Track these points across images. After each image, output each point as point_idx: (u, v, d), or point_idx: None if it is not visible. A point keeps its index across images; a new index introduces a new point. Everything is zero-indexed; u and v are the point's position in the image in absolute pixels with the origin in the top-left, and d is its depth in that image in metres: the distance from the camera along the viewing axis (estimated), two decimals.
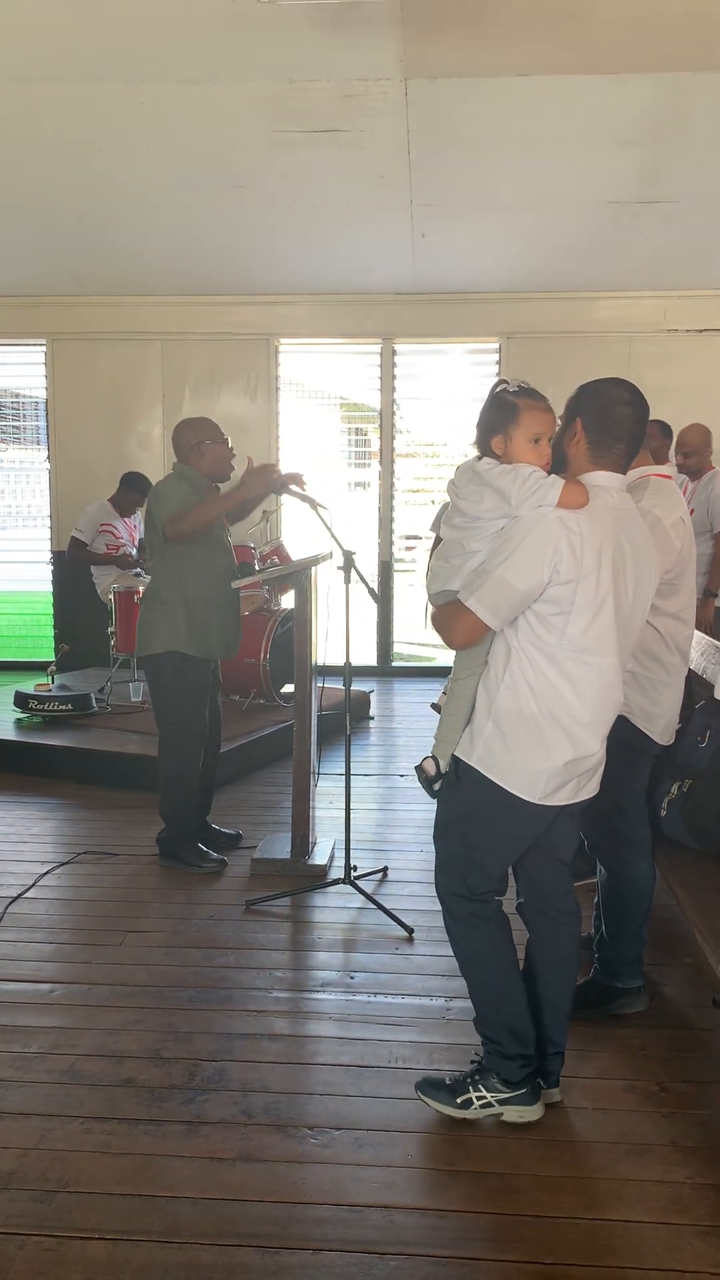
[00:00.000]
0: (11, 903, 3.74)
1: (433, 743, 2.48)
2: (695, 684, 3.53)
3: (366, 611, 7.20)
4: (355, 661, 3.86)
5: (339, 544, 3.72)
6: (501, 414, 2.31)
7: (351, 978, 3.20)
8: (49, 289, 7.65)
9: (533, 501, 2.21)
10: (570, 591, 2.19)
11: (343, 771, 3.87)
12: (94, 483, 7.66)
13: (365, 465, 8.59)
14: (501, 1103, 2.43)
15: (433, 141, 5.43)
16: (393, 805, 4.92)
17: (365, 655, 8.00)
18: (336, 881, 3.80)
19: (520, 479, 2.23)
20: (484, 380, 7.61)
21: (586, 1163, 2.33)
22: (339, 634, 3.83)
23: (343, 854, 3.87)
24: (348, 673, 3.80)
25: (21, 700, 5.88)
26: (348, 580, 3.70)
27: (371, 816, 4.73)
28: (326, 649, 4.12)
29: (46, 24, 4.48)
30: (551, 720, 2.26)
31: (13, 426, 8.72)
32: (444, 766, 2.44)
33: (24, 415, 8.65)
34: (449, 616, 2.34)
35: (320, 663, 4.15)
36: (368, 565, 7.41)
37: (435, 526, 2.47)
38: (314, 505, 3.86)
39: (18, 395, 8.59)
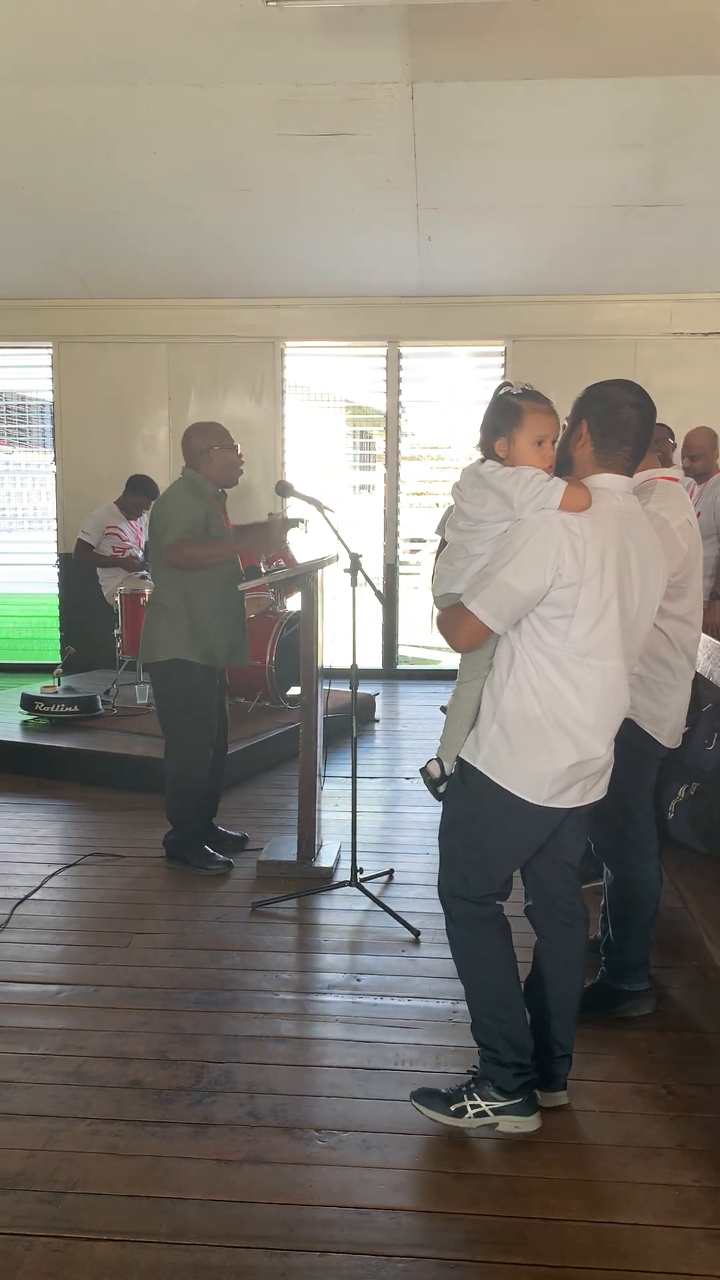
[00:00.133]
0: (19, 904, 3.74)
1: (438, 745, 2.48)
2: (702, 687, 3.53)
3: (372, 614, 7.21)
4: (360, 664, 3.87)
5: (346, 546, 3.72)
6: (505, 416, 2.31)
7: (358, 980, 3.21)
8: (55, 292, 7.67)
9: (535, 504, 2.21)
10: (573, 595, 2.19)
11: (348, 774, 3.88)
12: (100, 485, 7.67)
13: (370, 468, 8.60)
14: (496, 1112, 2.40)
15: (438, 145, 5.44)
16: (398, 808, 4.92)
17: (370, 658, 8.01)
18: (343, 884, 3.80)
19: (523, 482, 2.22)
20: (489, 383, 7.62)
21: (594, 1166, 2.33)
22: (345, 637, 3.84)
23: (348, 856, 3.87)
24: (354, 675, 3.80)
25: (28, 702, 5.89)
26: (354, 583, 3.70)
27: (377, 819, 4.73)
28: (333, 652, 4.12)
29: (53, 26, 4.50)
30: (556, 723, 2.26)
31: (18, 429, 8.74)
32: (449, 769, 2.43)
33: (29, 418, 8.67)
34: (452, 620, 2.34)
35: (326, 665, 4.15)
36: (373, 568, 7.40)
37: (440, 529, 2.48)
38: (320, 508, 3.86)
39: (23, 398, 8.62)
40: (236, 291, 7.59)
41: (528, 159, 5.55)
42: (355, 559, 3.69)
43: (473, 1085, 2.44)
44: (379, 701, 6.96)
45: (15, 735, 5.69)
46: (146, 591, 6.00)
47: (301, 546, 6.79)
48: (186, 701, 4.01)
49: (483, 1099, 2.41)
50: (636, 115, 5.10)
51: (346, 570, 3.71)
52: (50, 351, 8.04)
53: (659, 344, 7.54)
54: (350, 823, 3.85)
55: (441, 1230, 2.12)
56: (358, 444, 8.68)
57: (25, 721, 5.88)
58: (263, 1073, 2.69)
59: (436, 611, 2.48)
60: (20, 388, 8.54)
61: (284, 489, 3.94)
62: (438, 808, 2.53)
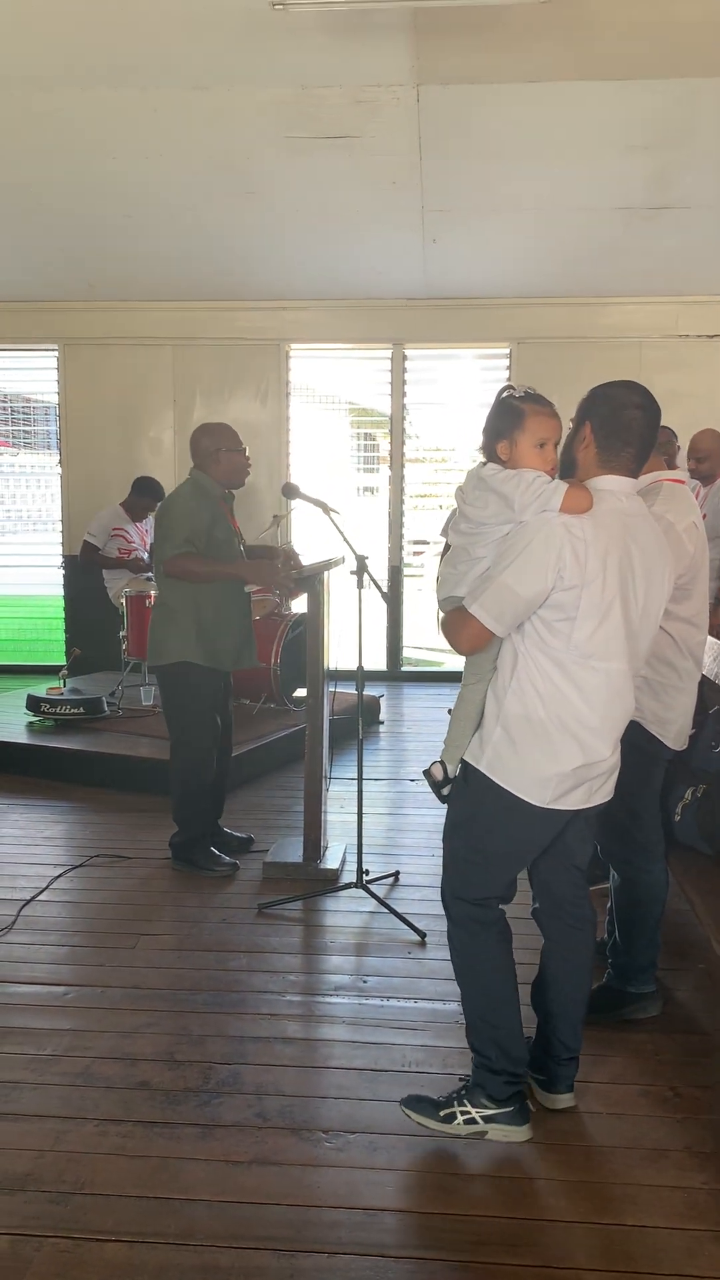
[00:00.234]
0: (25, 905, 3.75)
1: (441, 747, 2.48)
2: (708, 689, 3.53)
3: (377, 616, 7.21)
4: (365, 666, 3.87)
5: (352, 549, 3.73)
6: (507, 419, 2.31)
7: (364, 982, 3.21)
8: (61, 294, 7.68)
9: (536, 506, 2.20)
10: (575, 597, 2.18)
11: (353, 776, 3.88)
12: (105, 487, 7.69)
13: (373, 470, 8.61)
14: (486, 1120, 2.38)
15: (444, 147, 5.44)
16: (403, 810, 4.92)
17: (375, 660, 8.01)
18: (349, 886, 3.80)
19: (524, 484, 2.22)
20: (494, 385, 7.60)
21: (601, 1167, 2.33)
22: (351, 638, 3.84)
23: (354, 858, 3.88)
24: (360, 677, 3.81)
25: (34, 704, 5.90)
26: (361, 585, 3.70)
27: (382, 821, 4.73)
28: (338, 653, 4.12)
29: (58, 30, 4.50)
30: (560, 726, 2.25)
31: (23, 431, 8.76)
32: (452, 771, 2.43)
33: (34, 419, 8.69)
34: (454, 623, 2.34)
35: (331, 667, 4.16)
36: (377, 570, 7.42)
37: (445, 532, 2.47)
38: (327, 510, 3.87)
39: (28, 399, 8.64)
40: (242, 294, 7.60)
41: (533, 161, 5.56)
42: (362, 561, 3.69)
43: (464, 1092, 2.42)
44: (383, 703, 6.96)
45: (21, 737, 5.70)
46: (152, 593, 6.01)
47: (306, 549, 6.80)
48: (193, 704, 4.02)
49: (473, 1106, 2.39)
50: (642, 118, 5.11)
51: (353, 572, 3.71)
52: (56, 353, 8.05)
53: (664, 346, 7.54)
54: (356, 824, 3.85)
55: (449, 1232, 2.12)
56: (361, 446, 8.69)
57: (31, 723, 5.89)
58: (270, 1074, 2.69)
59: (441, 614, 2.49)
60: (26, 390, 8.56)
61: (290, 491, 3.95)
62: (442, 809, 2.53)
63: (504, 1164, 2.34)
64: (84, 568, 7.21)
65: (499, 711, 2.30)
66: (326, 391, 8.43)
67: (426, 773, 2.52)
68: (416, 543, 8.41)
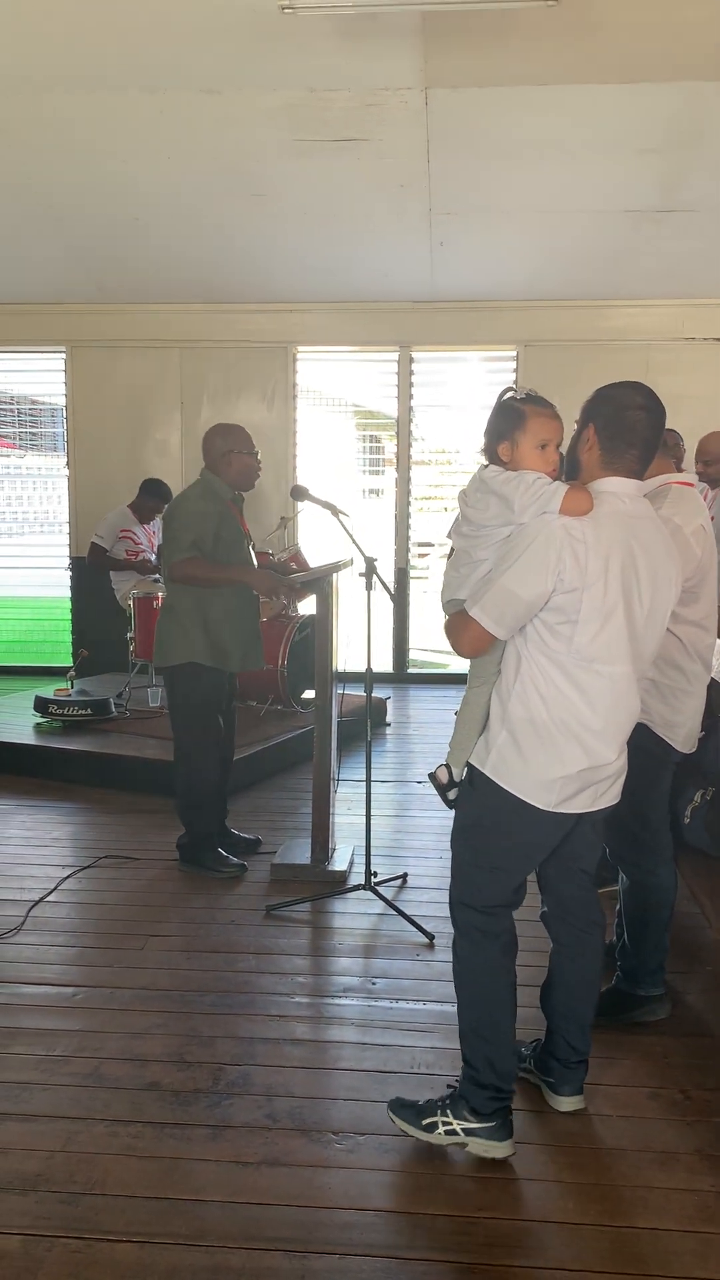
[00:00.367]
0: (33, 906, 3.76)
1: (447, 750, 2.48)
2: (717, 693, 3.53)
3: (383, 618, 7.22)
4: (372, 668, 3.87)
5: (361, 551, 3.73)
6: (509, 420, 2.31)
7: (373, 983, 3.21)
8: (69, 296, 7.70)
9: (535, 508, 2.19)
10: (575, 600, 2.16)
11: (359, 778, 3.89)
12: (112, 489, 7.69)
13: (379, 472, 8.61)
14: (468, 1133, 2.35)
15: (452, 150, 5.45)
16: (410, 812, 4.93)
17: (381, 662, 8.01)
18: (357, 887, 3.80)
19: (524, 486, 2.21)
20: (500, 388, 7.61)
21: (611, 1170, 2.33)
22: (359, 640, 3.85)
23: (362, 860, 3.88)
24: (369, 679, 3.81)
25: (41, 705, 5.91)
26: (369, 587, 3.71)
27: (389, 823, 4.74)
28: (346, 655, 4.13)
29: (68, 33, 4.52)
30: (564, 729, 2.24)
31: (30, 433, 8.78)
32: (457, 774, 2.43)
33: (41, 421, 8.70)
34: (456, 626, 2.34)
35: (339, 669, 4.16)
36: (384, 572, 7.44)
37: (451, 534, 2.49)
38: (335, 512, 3.88)
39: (35, 401, 8.65)
40: (249, 296, 7.62)
41: (541, 164, 5.57)
42: (370, 563, 3.70)
43: (448, 1102, 2.40)
44: (390, 705, 6.97)
45: (29, 738, 5.71)
46: (160, 595, 6.02)
47: (312, 551, 6.81)
48: (198, 704, 4.02)
49: (455, 1117, 2.37)
50: (650, 121, 5.12)
51: (361, 574, 3.72)
52: (64, 356, 8.06)
53: (670, 349, 7.54)
54: (364, 826, 3.85)
55: (460, 1234, 2.12)
56: (367, 448, 8.70)
57: (39, 724, 5.90)
58: (280, 1075, 2.69)
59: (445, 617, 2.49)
60: (33, 391, 8.58)
61: (299, 493, 3.96)
62: (450, 811, 2.52)
63: (515, 1166, 2.33)
64: (91, 569, 7.22)
65: (503, 714, 2.30)
66: (333, 394, 8.43)
67: (432, 776, 2.51)
68: (422, 545, 8.42)
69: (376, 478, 8.67)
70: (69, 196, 6.15)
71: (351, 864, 4.10)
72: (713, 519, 3.85)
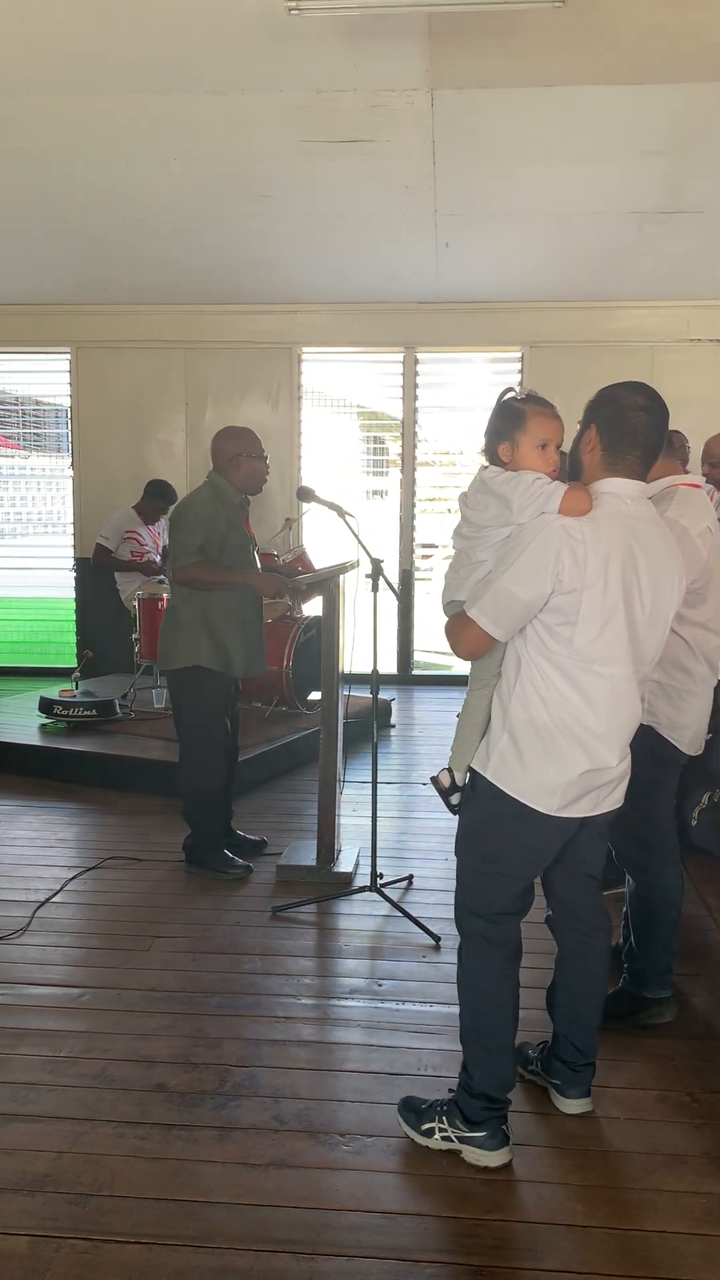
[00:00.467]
0: (39, 907, 3.76)
1: (449, 753, 2.47)
2: None
3: (387, 619, 7.22)
4: (378, 669, 3.87)
5: (367, 552, 3.73)
6: (509, 421, 2.30)
7: (379, 985, 3.21)
8: (74, 297, 7.70)
9: (534, 508, 2.18)
10: (575, 601, 2.15)
11: (364, 779, 3.89)
12: (117, 490, 7.70)
13: (383, 473, 8.61)
14: (461, 1140, 2.34)
15: (458, 152, 5.45)
16: (416, 813, 4.92)
17: (385, 663, 8.00)
18: (363, 889, 3.80)
19: (523, 486, 2.20)
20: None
21: (620, 1173, 2.32)
22: (364, 642, 3.85)
23: (367, 861, 3.88)
24: (375, 680, 3.81)
25: (46, 706, 5.92)
26: (376, 588, 3.71)
27: (394, 824, 4.73)
28: (351, 657, 4.13)
29: (73, 35, 4.52)
30: (565, 731, 2.22)
31: (34, 433, 8.78)
32: (459, 778, 2.41)
33: (45, 422, 8.71)
34: (455, 628, 2.33)
35: (345, 670, 4.16)
36: (389, 574, 7.44)
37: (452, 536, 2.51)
38: (342, 514, 3.87)
39: (39, 402, 8.66)
40: (254, 297, 7.61)
41: (547, 165, 5.56)
42: (377, 565, 3.70)
43: (443, 1109, 2.40)
44: (394, 707, 6.96)
45: (34, 739, 5.71)
46: (165, 596, 6.03)
47: (317, 552, 6.81)
48: (203, 708, 4.02)
49: (449, 1125, 2.37)
50: (656, 122, 5.11)
51: (368, 576, 3.72)
52: (68, 356, 8.07)
53: (676, 350, 7.53)
54: (369, 827, 3.85)
55: (468, 1235, 2.12)
56: (371, 449, 8.70)
57: (44, 725, 5.90)
58: (286, 1077, 2.69)
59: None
60: (37, 392, 8.59)
61: (305, 495, 3.96)
62: (454, 815, 2.52)
63: (523, 1168, 2.33)
64: (96, 570, 7.23)
65: (504, 717, 2.28)
66: (337, 395, 8.44)
67: (434, 780, 2.50)
68: (425, 546, 8.42)
69: (380, 479, 8.67)
70: (74, 197, 6.16)
71: (357, 865, 4.10)
72: None
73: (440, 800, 2.49)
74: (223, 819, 4.26)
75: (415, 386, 7.94)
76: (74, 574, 8.23)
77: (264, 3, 4.19)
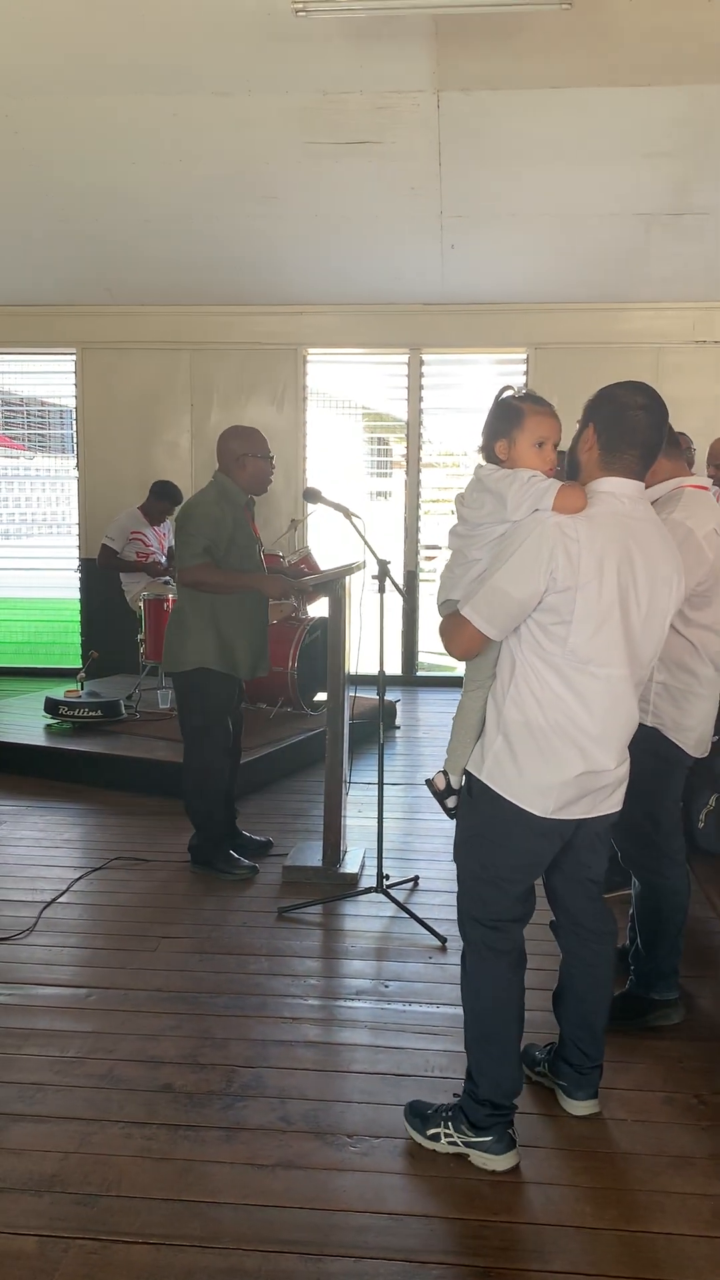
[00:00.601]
0: (46, 908, 3.76)
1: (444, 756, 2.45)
2: None
3: (392, 620, 7.22)
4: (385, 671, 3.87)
5: (374, 554, 3.73)
6: (506, 418, 2.29)
7: (385, 986, 3.21)
8: (80, 298, 7.72)
9: (528, 505, 2.17)
10: (569, 600, 2.13)
11: (369, 780, 3.88)
12: (122, 491, 7.71)
13: (386, 475, 8.61)
14: (468, 1145, 2.34)
15: (464, 153, 5.46)
16: (421, 815, 4.92)
17: (390, 664, 7.99)
18: (369, 890, 3.80)
19: (519, 483, 2.19)
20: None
21: (627, 1175, 2.32)
22: (371, 643, 3.85)
23: (373, 862, 3.88)
24: (382, 682, 3.81)
25: (52, 706, 5.92)
26: (382, 589, 3.71)
27: (400, 825, 4.73)
28: (357, 658, 4.13)
29: (80, 37, 4.54)
30: (560, 733, 2.20)
31: (38, 434, 8.80)
32: (454, 782, 2.40)
33: (49, 423, 8.72)
34: (449, 627, 2.31)
35: (351, 671, 4.16)
36: (394, 575, 7.43)
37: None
38: (348, 515, 3.88)
39: (43, 403, 8.67)
40: (260, 298, 7.62)
41: (553, 167, 5.57)
42: (383, 566, 3.70)
43: (449, 1114, 2.39)
44: (399, 708, 6.96)
45: (39, 739, 5.72)
46: (170, 597, 6.03)
47: (322, 553, 6.81)
48: (209, 709, 4.03)
49: (455, 1130, 2.36)
50: (662, 124, 5.12)
51: (375, 577, 3.72)
52: (74, 358, 8.08)
53: (681, 352, 7.53)
54: (375, 828, 3.85)
55: (476, 1237, 2.12)
56: (375, 450, 8.70)
57: (49, 725, 5.91)
58: (293, 1078, 2.69)
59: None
60: (42, 393, 8.60)
61: (312, 496, 3.96)
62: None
63: (530, 1170, 2.33)
64: (101, 571, 7.24)
65: (498, 719, 2.26)
66: (342, 396, 8.44)
67: (429, 783, 2.49)
68: (430, 548, 8.42)
69: (384, 480, 8.67)
70: (80, 198, 6.17)
71: (363, 866, 4.10)
72: None
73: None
74: (227, 819, 4.26)
75: (420, 388, 7.95)
76: (79, 575, 8.24)
77: (270, 4, 4.20)
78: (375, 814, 3.87)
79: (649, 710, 2.84)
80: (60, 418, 8.57)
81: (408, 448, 8.02)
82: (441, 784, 2.44)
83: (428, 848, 4.42)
